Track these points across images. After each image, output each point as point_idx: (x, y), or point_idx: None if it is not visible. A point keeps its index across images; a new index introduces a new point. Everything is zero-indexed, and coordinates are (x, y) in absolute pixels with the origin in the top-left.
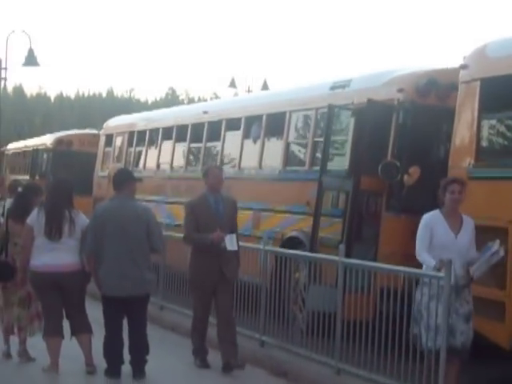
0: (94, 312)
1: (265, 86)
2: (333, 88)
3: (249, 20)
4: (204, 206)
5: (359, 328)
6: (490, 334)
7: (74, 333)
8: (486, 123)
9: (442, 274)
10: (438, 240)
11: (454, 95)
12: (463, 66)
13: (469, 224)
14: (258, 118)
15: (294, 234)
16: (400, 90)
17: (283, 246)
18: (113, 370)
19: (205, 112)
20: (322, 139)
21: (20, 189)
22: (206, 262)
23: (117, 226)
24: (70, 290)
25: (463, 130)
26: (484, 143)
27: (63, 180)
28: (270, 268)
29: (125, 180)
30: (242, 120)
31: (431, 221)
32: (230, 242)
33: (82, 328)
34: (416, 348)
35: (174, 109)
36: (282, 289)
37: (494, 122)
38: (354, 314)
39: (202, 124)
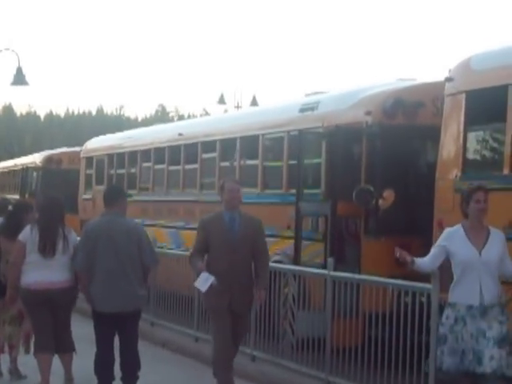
0: (83, 329)
1: (254, 102)
2: (302, 110)
3: (238, 36)
4: (217, 224)
5: (348, 348)
6: None
7: (57, 351)
8: (472, 135)
9: (429, 286)
10: (459, 258)
11: (421, 112)
12: (448, 79)
13: (496, 236)
14: (232, 140)
15: (277, 258)
16: (368, 113)
17: None
18: None
19: (180, 134)
20: (295, 161)
21: (10, 207)
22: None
23: (108, 242)
24: (59, 307)
25: (450, 143)
26: (471, 155)
27: (56, 197)
28: None
29: (116, 197)
30: (217, 143)
31: (450, 236)
32: (203, 281)
33: (65, 346)
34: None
35: (151, 129)
36: (272, 304)
37: (480, 133)
38: (343, 340)
39: (179, 146)
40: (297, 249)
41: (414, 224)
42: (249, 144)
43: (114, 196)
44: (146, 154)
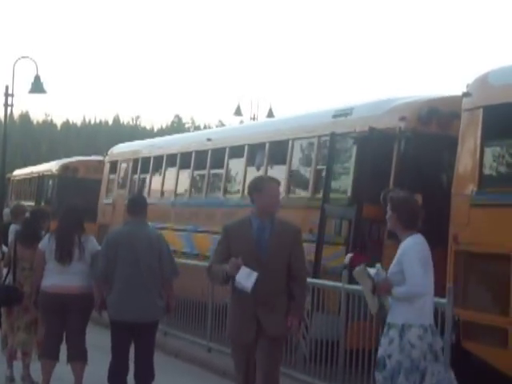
0: (97, 338)
1: (270, 114)
2: (335, 116)
3: (255, 47)
4: (243, 231)
5: (362, 354)
6: (494, 361)
7: (69, 359)
8: (488, 150)
9: (444, 301)
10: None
11: (455, 123)
12: (466, 94)
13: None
14: (261, 145)
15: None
16: (402, 119)
17: None
18: None
19: (208, 139)
20: (324, 167)
21: (27, 214)
22: (240, 310)
23: (129, 252)
24: (73, 313)
25: (466, 158)
26: (487, 170)
27: (73, 206)
28: None
29: (140, 205)
30: (245, 148)
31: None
32: (245, 278)
33: (78, 355)
34: None
35: (179, 136)
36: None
37: (496, 149)
38: (356, 342)
39: (206, 151)
40: (318, 251)
41: (438, 234)
42: (278, 149)
43: (138, 204)
44: (172, 158)
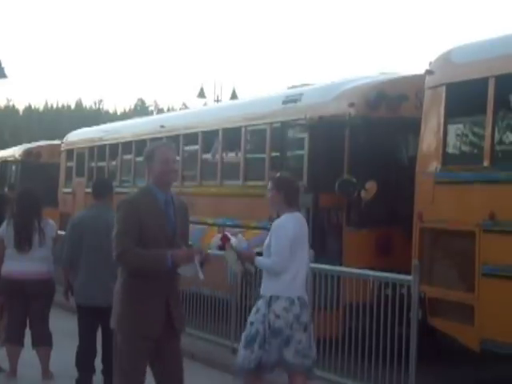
0: (63, 323)
1: (234, 95)
2: (285, 102)
3: (217, 29)
4: (152, 205)
5: (329, 340)
6: (460, 337)
7: (34, 345)
8: (452, 128)
9: (410, 278)
10: None
11: (404, 105)
12: (429, 72)
13: None
14: (215, 132)
15: (258, 250)
16: (351, 105)
17: None
18: (84, 380)
19: (162, 126)
20: (278, 154)
21: None
22: (148, 300)
23: (94, 236)
24: (35, 299)
25: (430, 136)
26: (450, 148)
27: (29, 190)
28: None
29: (106, 190)
30: (199, 134)
31: None
32: (191, 267)
33: (42, 340)
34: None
35: (132, 122)
36: (249, 297)
37: (460, 126)
38: (323, 331)
39: (160, 139)
40: None
41: (396, 216)
42: (231, 136)
43: (102, 188)
44: (127, 146)
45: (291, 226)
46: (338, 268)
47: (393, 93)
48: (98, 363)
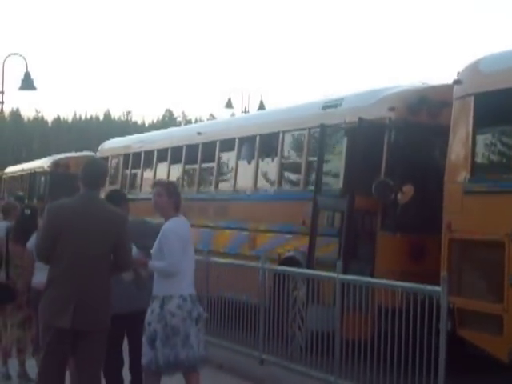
0: None
1: (261, 106)
2: (325, 107)
3: (246, 40)
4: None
5: (358, 345)
6: (489, 348)
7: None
8: (480, 138)
9: (439, 289)
10: None
11: (444, 112)
12: (457, 82)
13: None
14: (252, 138)
15: (290, 254)
16: (391, 109)
17: (281, 265)
18: None
19: (199, 133)
20: (315, 159)
21: (27, 211)
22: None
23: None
24: None
25: (458, 145)
26: (479, 158)
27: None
28: (268, 286)
29: (118, 201)
30: (236, 141)
31: None
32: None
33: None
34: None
35: (169, 130)
36: (281, 307)
37: (488, 136)
38: (352, 332)
39: (197, 145)
40: (311, 243)
41: (431, 222)
42: (268, 142)
43: (117, 200)
44: (162, 153)
45: (180, 229)
46: (366, 279)
47: (434, 99)
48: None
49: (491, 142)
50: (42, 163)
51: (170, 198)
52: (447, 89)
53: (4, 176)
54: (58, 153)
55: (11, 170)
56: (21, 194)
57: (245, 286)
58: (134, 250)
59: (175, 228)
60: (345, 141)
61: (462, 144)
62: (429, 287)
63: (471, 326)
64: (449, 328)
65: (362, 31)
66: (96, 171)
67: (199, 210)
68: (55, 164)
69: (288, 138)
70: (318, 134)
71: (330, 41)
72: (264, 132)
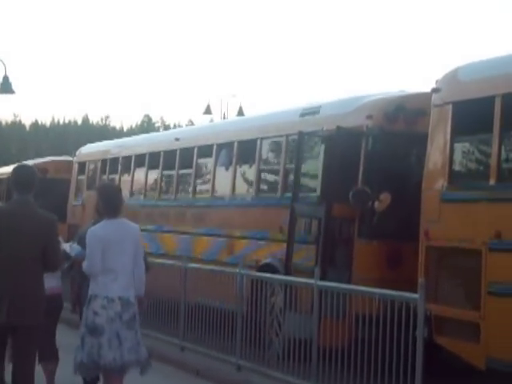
0: (68, 338)
1: (240, 112)
2: (303, 115)
3: (224, 45)
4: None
5: (335, 352)
6: (466, 355)
7: (40, 359)
8: (458, 146)
9: (416, 296)
10: None
11: (421, 120)
12: (435, 90)
13: None
14: (230, 144)
15: (268, 260)
16: (369, 117)
17: (258, 272)
18: None
19: (177, 139)
20: (293, 166)
21: None
22: None
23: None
24: (45, 314)
25: (436, 153)
26: (457, 166)
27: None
28: (246, 292)
29: (27, 178)
30: (214, 147)
31: None
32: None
33: (49, 355)
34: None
35: (147, 136)
36: (258, 313)
37: (466, 144)
38: (330, 340)
39: (174, 151)
40: (289, 250)
41: (408, 230)
42: (246, 148)
43: (23, 177)
44: (140, 158)
45: (102, 232)
46: (344, 286)
47: (411, 107)
48: None
49: (469, 150)
50: None
51: (100, 199)
52: (424, 97)
53: None
54: (36, 157)
55: None
56: None
57: (222, 291)
58: (78, 248)
59: (96, 230)
60: (322, 148)
61: (439, 152)
62: (406, 294)
63: (448, 334)
64: (425, 335)
65: (344, 37)
66: (25, 176)
67: (177, 216)
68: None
69: (266, 145)
70: (295, 141)
71: (310, 47)
72: (242, 138)
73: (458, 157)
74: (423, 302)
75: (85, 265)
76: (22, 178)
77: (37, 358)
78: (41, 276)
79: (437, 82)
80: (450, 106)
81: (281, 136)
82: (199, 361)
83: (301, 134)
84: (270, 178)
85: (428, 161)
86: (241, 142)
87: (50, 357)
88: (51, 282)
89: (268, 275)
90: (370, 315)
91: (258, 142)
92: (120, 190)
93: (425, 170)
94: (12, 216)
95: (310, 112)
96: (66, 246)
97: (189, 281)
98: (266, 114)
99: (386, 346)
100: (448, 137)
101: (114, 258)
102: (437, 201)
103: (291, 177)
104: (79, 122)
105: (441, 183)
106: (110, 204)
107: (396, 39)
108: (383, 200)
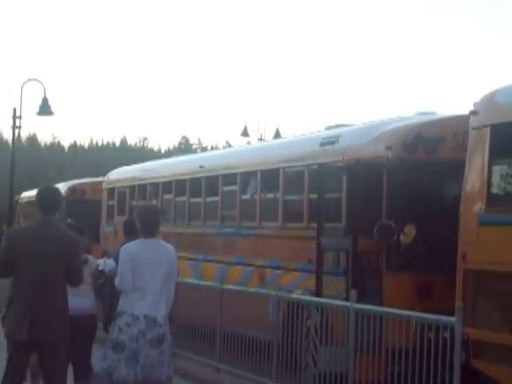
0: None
1: (277, 134)
2: (322, 144)
3: (262, 67)
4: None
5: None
6: (504, 380)
7: (75, 379)
8: (496, 169)
9: (453, 319)
10: None
11: (441, 148)
12: (473, 113)
13: None
14: (253, 173)
15: (299, 292)
16: (388, 148)
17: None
18: None
19: (201, 166)
20: (316, 195)
21: None
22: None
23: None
24: (78, 334)
25: (474, 176)
26: (495, 189)
27: (71, 226)
28: (282, 315)
29: (52, 199)
30: (238, 176)
31: None
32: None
33: (85, 375)
34: None
35: (170, 161)
36: (294, 336)
37: (504, 167)
38: (365, 375)
39: (200, 179)
40: (318, 282)
41: (436, 259)
42: (269, 177)
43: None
44: (167, 185)
45: (135, 250)
46: (380, 308)
47: (430, 135)
48: None
49: (507, 172)
50: (59, 189)
51: (137, 220)
52: (442, 123)
53: (20, 201)
54: (74, 178)
55: (28, 194)
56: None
57: (258, 316)
58: (113, 264)
59: (128, 248)
60: (344, 180)
61: (477, 174)
62: (443, 318)
63: (486, 358)
64: (463, 359)
65: (377, 57)
66: (49, 197)
67: (206, 244)
68: (71, 189)
69: (288, 174)
70: (317, 173)
71: (345, 69)
72: (264, 168)
73: (496, 179)
74: (460, 325)
75: (116, 280)
76: (45, 198)
77: (73, 378)
78: (64, 294)
79: (475, 104)
80: (488, 129)
81: (302, 166)
82: (235, 383)
83: (321, 166)
84: (296, 207)
85: (466, 183)
86: (263, 172)
87: (86, 376)
88: (84, 303)
89: (304, 297)
90: (406, 347)
91: (281, 171)
92: (159, 210)
93: (462, 192)
94: (36, 236)
95: (330, 142)
96: (101, 262)
97: (225, 305)
98: (288, 142)
99: (422, 376)
100: (486, 159)
101: (144, 277)
102: (474, 223)
103: (315, 207)
104: (117, 143)
105: (479, 206)
106: (146, 223)
107: (431, 58)
108: (408, 233)
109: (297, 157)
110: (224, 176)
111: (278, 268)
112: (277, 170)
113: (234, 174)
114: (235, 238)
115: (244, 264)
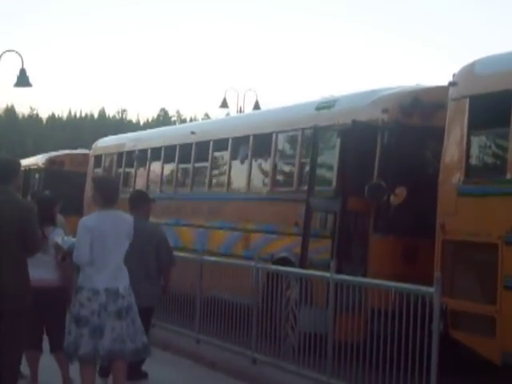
0: None
1: (256, 106)
2: (318, 108)
3: (240, 39)
4: None
5: (350, 346)
6: (481, 350)
7: (52, 350)
8: (475, 140)
9: (432, 290)
10: None
11: (438, 114)
12: (452, 84)
13: None
14: (245, 138)
15: (283, 254)
16: (384, 111)
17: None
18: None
19: (192, 132)
20: (308, 160)
21: None
22: None
23: (132, 245)
24: (47, 306)
25: (453, 147)
26: (473, 160)
27: (41, 198)
28: (261, 285)
29: (141, 202)
30: (229, 141)
31: None
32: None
33: (61, 345)
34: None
35: (162, 129)
36: (274, 307)
37: (483, 138)
38: (345, 334)
39: (190, 145)
40: (304, 245)
41: (424, 224)
42: (262, 142)
43: (139, 201)
44: (156, 152)
45: (92, 222)
46: (360, 279)
47: (428, 101)
48: None
49: (486, 143)
50: (37, 160)
51: (95, 192)
52: (440, 90)
53: None
54: (52, 150)
55: None
56: None
57: (238, 285)
58: (71, 241)
59: (86, 220)
60: (338, 142)
61: (456, 145)
62: (422, 288)
63: (464, 328)
64: (441, 329)
65: (360, 31)
66: (4, 167)
67: (193, 210)
68: (50, 161)
69: (281, 139)
70: (311, 135)
71: (326, 41)
72: (257, 132)
73: (474, 151)
74: (439, 296)
75: (74, 255)
76: (1, 168)
77: (49, 349)
78: (24, 262)
79: (454, 75)
80: (467, 100)
81: (296, 130)
82: (215, 353)
83: (316, 128)
84: (286, 171)
85: (445, 154)
86: (256, 136)
87: (60, 347)
88: (48, 274)
89: (284, 268)
90: (386, 310)
91: (274, 135)
92: (117, 182)
93: (441, 164)
94: None
95: (326, 106)
96: (59, 239)
97: (204, 274)
98: (282, 108)
99: (401, 341)
100: (465, 130)
101: (103, 249)
102: (453, 194)
103: (307, 171)
104: (96, 115)
105: (457, 177)
106: (106, 194)
107: (414, 32)
108: (399, 194)
109: (292, 121)
110: (215, 142)
111: (266, 232)
112: (270, 134)
113: (226, 139)
114: (223, 202)
115: (230, 228)
